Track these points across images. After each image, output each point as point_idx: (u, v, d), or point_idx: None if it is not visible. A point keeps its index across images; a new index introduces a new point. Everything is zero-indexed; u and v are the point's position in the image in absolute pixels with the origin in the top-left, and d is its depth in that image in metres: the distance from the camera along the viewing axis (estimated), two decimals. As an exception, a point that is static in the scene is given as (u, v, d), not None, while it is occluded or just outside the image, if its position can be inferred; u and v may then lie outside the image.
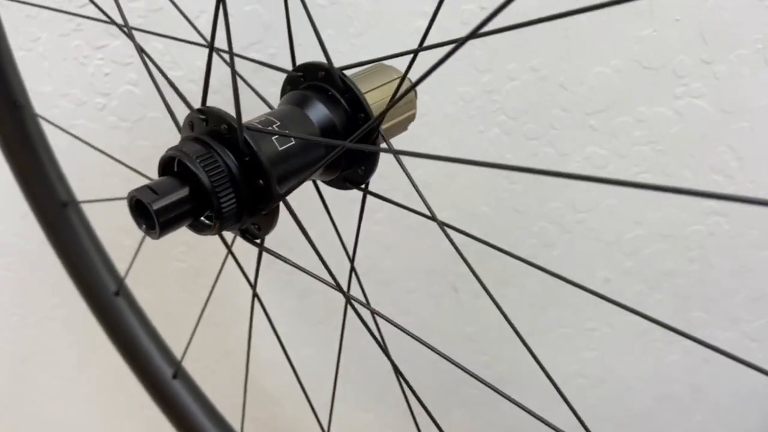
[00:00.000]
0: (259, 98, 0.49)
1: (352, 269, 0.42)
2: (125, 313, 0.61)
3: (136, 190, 0.31)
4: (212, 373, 0.86)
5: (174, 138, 0.72)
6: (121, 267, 0.63)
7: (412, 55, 0.34)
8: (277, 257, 0.37)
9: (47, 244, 0.62)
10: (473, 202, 0.71)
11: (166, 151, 0.33)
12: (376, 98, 0.37)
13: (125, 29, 0.42)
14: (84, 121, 0.70)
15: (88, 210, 0.63)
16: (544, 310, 0.76)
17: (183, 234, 0.36)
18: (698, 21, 0.59)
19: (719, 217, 0.69)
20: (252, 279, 0.40)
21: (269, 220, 0.34)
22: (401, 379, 0.39)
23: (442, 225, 0.35)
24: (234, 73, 0.33)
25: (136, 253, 0.58)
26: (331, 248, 0.40)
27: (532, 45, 0.62)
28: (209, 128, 0.33)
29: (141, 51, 0.41)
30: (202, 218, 0.33)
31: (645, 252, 0.71)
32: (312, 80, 0.38)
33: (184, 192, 0.32)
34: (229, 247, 0.42)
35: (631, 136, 0.65)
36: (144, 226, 0.31)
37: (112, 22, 0.48)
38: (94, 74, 0.68)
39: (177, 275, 0.81)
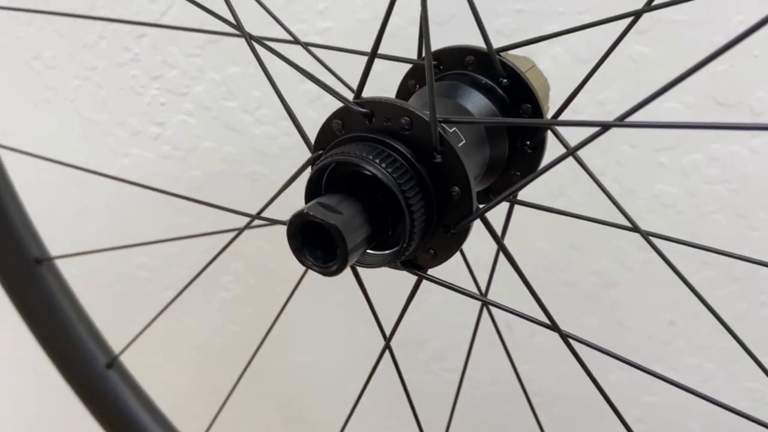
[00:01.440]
0: (350, 89, 0.45)
1: (491, 278, 0.40)
2: (119, 390, 0.50)
3: (308, 208, 0.24)
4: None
5: (228, 167, 0.71)
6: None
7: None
8: (443, 284, 0.31)
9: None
10: (530, 236, 0.68)
11: (320, 160, 0.26)
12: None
13: (248, 38, 0.36)
14: (138, 150, 0.70)
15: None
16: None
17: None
18: (779, 55, 0.56)
19: (796, 260, 0.65)
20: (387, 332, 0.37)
21: (451, 245, 0.28)
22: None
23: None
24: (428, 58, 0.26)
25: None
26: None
27: (600, 78, 0.59)
28: (375, 126, 0.27)
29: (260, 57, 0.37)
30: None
31: (714, 294, 0.67)
32: (454, 69, 0.33)
33: (361, 209, 0.25)
34: (420, 274, 0.33)
35: (703, 174, 0.61)
36: (312, 260, 0.25)
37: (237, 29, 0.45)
38: (150, 104, 0.68)
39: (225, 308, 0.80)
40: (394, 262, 0.28)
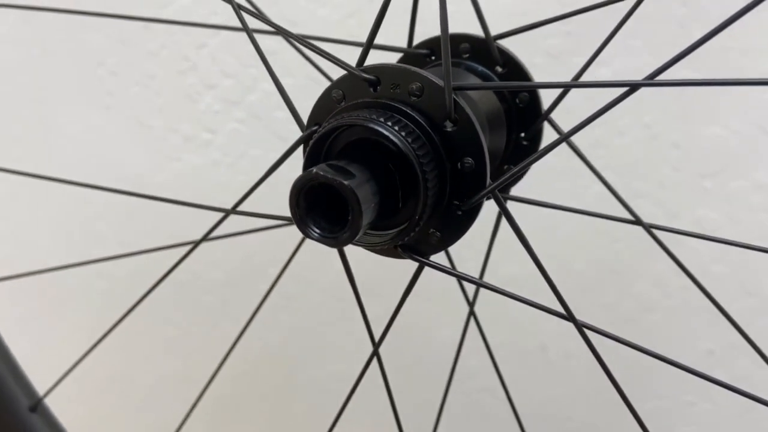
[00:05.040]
0: (327, 78, 0.44)
1: (487, 258, 0.39)
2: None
3: (318, 168, 0.22)
4: None
5: (274, 174, 0.73)
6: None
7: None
8: (480, 285, 0.30)
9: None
10: (569, 259, 0.68)
11: (323, 127, 0.24)
12: None
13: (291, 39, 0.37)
14: (189, 155, 0.73)
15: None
16: (639, 378, 0.72)
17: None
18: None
19: (841, 293, 0.64)
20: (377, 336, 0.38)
21: (460, 225, 0.26)
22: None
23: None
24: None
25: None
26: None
27: (647, 101, 0.60)
28: (381, 94, 0.25)
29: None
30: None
31: (756, 324, 0.66)
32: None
33: (371, 176, 0.23)
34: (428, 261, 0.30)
35: (748, 201, 0.61)
36: (317, 231, 0.23)
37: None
38: (205, 111, 0.70)
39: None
40: (398, 243, 0.26)
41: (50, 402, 0.47)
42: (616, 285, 0.68)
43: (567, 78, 0.61)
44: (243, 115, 0.70)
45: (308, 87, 0.68)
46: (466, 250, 0.47)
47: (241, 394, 0.83)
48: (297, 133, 0.72)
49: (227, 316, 0.79)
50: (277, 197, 0.42)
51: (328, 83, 0.43)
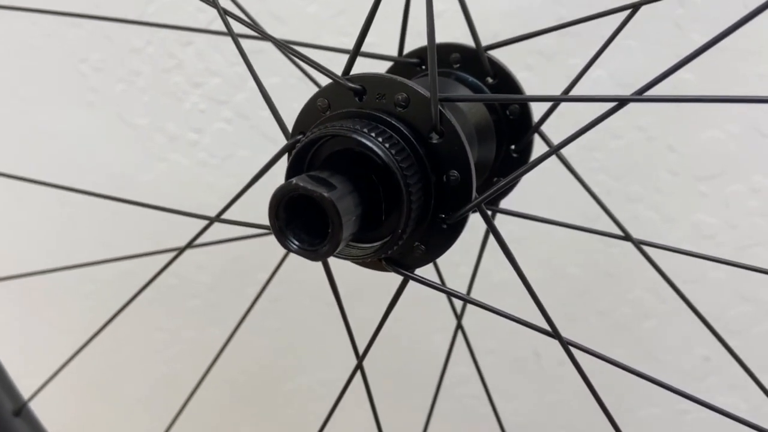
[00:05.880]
0: (315, 84, 0.43)
1: (474, 275, 0.38)
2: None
3: (297, 179, 0.21)
4: None
5: (264, 175, 0.71)
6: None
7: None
8: (466, 300, 0.29)
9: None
10: (564, 262, 0.67)
11: (306, 136, 0.24)
12: None
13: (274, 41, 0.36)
14: (175, 155, 0.71)
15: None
16: (633, 385, 0.71)
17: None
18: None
19: (839, 300, 0.63)
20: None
21: (445, 239, 0.25)
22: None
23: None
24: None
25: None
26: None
27: (643, 104, 0.59)
28: (367, 104, 0.25)
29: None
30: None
31: (752, 331, 0.65)
32: (438, 67, 0.31)
33: (353, 188, 0.23)
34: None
35: (745, 205, 0.60)
36: (296, 243, 0.23)
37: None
38: (191, 110, 0.69)
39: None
40: (381, 256, 0.25)
41: (35, 406, 0.46)
42: (611, 290, 0.67)
43: (560, 86, 0.60)
44: (230, 115, 0.68)
45: (296, 87, 0.67)
46: (459, 256, 0.45)
47: (227, 400, 0.81)
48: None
49: (214, 319, 0.77)
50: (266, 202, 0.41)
51: (316, 85, 0.41)
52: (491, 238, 0.43)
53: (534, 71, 0.60)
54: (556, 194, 0.64)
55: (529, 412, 0.75)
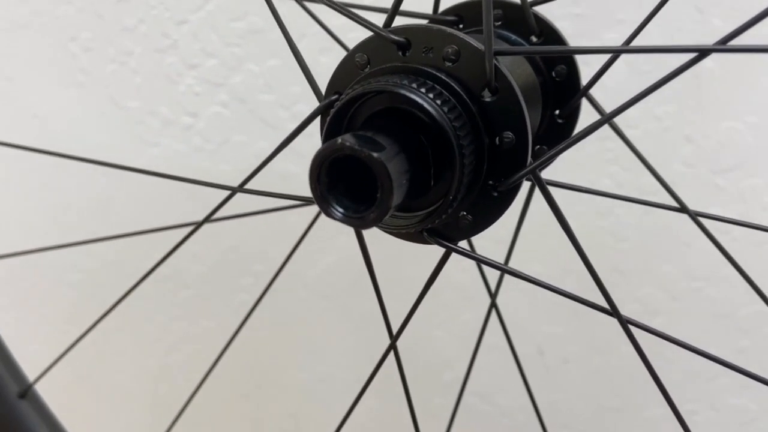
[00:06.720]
0: (342, 46, 0.41)
1: (512, 245, 0.36)
2: (31, 422, 0.44)
3: (344, 138, 0.19)
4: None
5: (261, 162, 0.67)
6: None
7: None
8: (507, 271, 0.27)
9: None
10: (571, 256, 0.65)
11: (346, 95, 0.22)
12: None
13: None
14: (168, 140, 0.68)
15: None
16: (641, 383, 0.69)
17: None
18: None
19: None
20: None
21: (494, 208, 0.23)
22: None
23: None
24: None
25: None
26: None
27: (659, 92, 0.56)
28: (412, 58, 0.22)
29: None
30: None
31: (765, 330, 0.63)
32: (478, 25, 0.30)
33: (401, 149, 0.20)
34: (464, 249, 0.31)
35: (762, 200, 0.58)
36: (341, 210, 0.20)
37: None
38: (185, 93, 0.66)
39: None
40: (427, 226, 0.23)
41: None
42: (620, 286, 0.65)
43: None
44: (226, 98, 0.65)
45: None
46: (479, 239, 0.42)
47: (223, 393, 0.79)
48: (285, 119, 0.68)
49: (207, 312, 0.75)
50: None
51: (345, 48, 0.38)
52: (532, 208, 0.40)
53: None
54: (572, 176, 0.62)
55: (532, 410, 0.73)
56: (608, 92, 0.57)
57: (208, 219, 0.33)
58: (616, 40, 0.56)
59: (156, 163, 0.68)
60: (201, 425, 0.77)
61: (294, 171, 0.66)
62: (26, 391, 0.45)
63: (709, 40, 0.55)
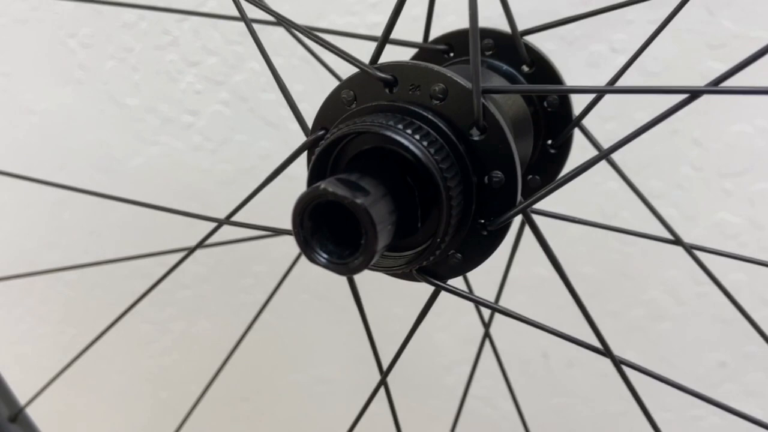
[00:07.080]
0: (334, 76, 0.41)
1: (503, 284, 0.35)
2: None
3: (327, 183, 0.19)
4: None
5: (261, 163, 0.67)
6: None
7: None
8: (497, 310, 0.27)
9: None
10: (578, 261, 0.64)
11: (330, 134, 0.21)
12: None
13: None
14: (168, 138, 0.67)
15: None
16: (645, 390, 0.68)
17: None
18: None
19: None
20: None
21: (484, 247, 0.23)
22: None
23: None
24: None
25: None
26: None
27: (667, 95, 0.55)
28: (398, 95, 0.22)
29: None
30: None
31: (772, 337, 0.62)
32: (468, 54, 0.29)
33: (387, 191, 0.20)
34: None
35: (771, 204, 0.57)
36: (324, 256, 0.20)
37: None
38: (185, 91, 0.65)
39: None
40: (416, 267, 0.23)
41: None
42: (626, 291, 0.64)
43: (581, 73, 0.57)
44: (227, 97, 0.64)
45: (299, 68, 0.63)
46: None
47: (222, 396, 0.78)
48: (287, 118, 0.67)
49: (205, 312, 0.74)
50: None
51: (336, 77, 0.37)
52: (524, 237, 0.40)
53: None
54: (572, 186, 0.61)
55: (536, 414, 0.72)
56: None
57: (199, 245, 0.33)
58: (625, 42, 0.55)
59: (155, 161, 0.67)
60: (201, 428, 0.76)
61: (297, 172, 0.65)
62: (17, 415, 0.44)
63: (718, 42, 0.54)
